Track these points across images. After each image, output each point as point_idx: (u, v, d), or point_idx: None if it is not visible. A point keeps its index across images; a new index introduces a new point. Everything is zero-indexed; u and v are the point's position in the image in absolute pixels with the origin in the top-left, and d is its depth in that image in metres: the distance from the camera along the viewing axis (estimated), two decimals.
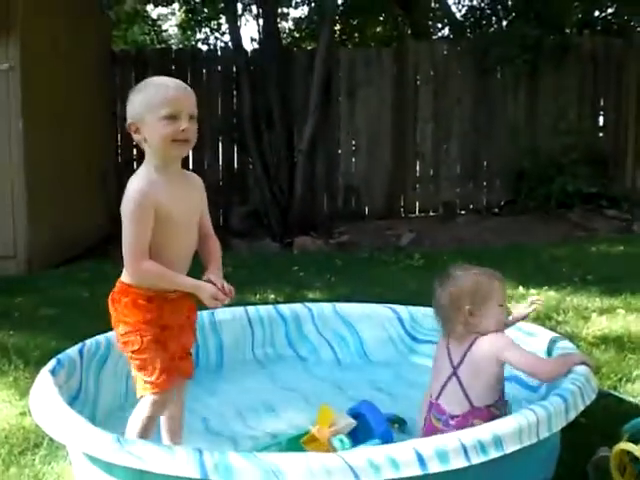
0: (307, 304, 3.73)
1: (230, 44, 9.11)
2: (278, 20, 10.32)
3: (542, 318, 4.28)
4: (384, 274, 5.92)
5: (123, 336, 2.32)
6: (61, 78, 6.86)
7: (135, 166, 8.25)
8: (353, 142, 9.16)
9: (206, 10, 11.99)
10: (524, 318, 2.86)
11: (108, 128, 8.43)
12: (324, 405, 2.62)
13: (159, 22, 15.14)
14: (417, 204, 9.19)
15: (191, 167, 8.00)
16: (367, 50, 10.06)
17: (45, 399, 2.37)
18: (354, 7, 11.72)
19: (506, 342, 2.47)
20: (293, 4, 11.73)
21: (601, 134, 9.32)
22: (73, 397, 2.69)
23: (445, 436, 2.07)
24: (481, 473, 2.03)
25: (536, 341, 2.92)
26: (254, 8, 9.40)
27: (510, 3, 10.50)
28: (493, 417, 2.38)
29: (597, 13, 10.78)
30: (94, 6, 8.18)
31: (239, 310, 3.57)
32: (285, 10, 11.89)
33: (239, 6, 9.36)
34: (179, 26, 14.69)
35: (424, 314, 3.53)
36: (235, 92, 8.92)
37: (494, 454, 1.99)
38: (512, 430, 2.05)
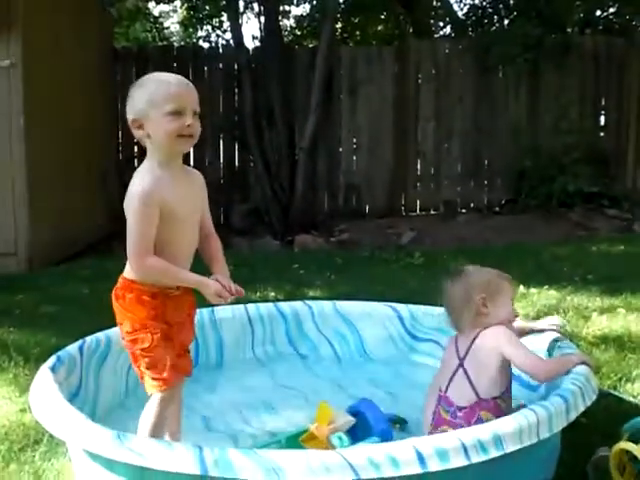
0: (307, 302, 3.73)
1: (232, 42, 9.11)
2: (280, 18, 10.32)
3: (542, 317, 4.27)
4: (385, 272, 5.92)
5: (131, 334, 2.30)
6: (62, 75, 6.86)
7: (136, 164, 8.26)
8: (354, 140, 9.16)
9: (208, 8, 11.98)
10: (539, 332, 2.86)
11: (109, 125, 8.43)
12: (323, 403, 2.62)
13: (161, 19, 15.13)
14: (418, 202, 9.19)
15: (192, 164, 7.98)
16: (369, 48, 10.07)
17: (45, 396, 2.37)
18: (356, 5, 11.71)
19: (508, 337, 2.48)
20: (295, 2, 11.72)
21: (602, 133, 9.31)
22: (73, 394, 2.69)
23: (445, 435, 2.07)
24: (481, 473, 2.03)
25: (537, 340, 2.91)
26: (256, 6, 9.40)
27: (512, 2, 10.50)
28: (500, 409, 2.42)
29: (599, 12, 10.77)
30: (96, 3, 8.18)
31: (239, 308, 3.57)
32: (287, 8, 11.88)
33: (241, 4, 9.35)
34: (181, 23, 14.70)
35: (424, 312, 3.55)
36: (236, 90, 8.93)
37: (494, 453, 1.99)
38: (512, 430, 2.05)
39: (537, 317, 4.25)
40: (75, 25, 7.23)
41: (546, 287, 5.01)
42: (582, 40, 9.27)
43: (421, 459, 1.91)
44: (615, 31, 9.98)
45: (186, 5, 12.49)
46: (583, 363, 2.50)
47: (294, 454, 1.97)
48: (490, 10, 10.75)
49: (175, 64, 8.74)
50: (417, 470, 1.90)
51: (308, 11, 12.38)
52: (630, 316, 4.31)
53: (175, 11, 15.29)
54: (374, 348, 3.59)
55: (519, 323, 2.77)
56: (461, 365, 2.51)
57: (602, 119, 9.40)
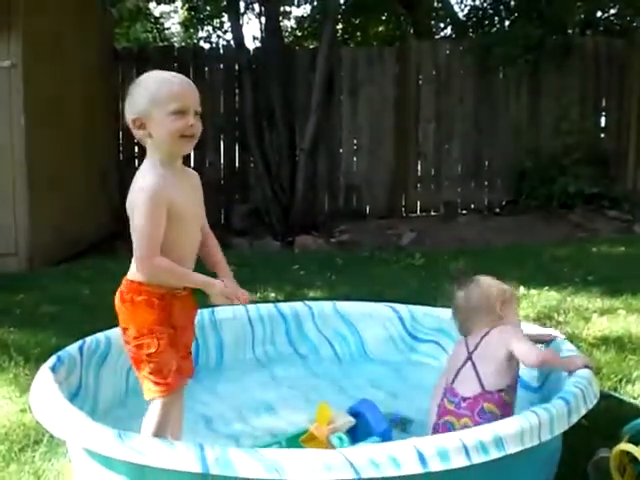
0: (308, 303, 3.72)
1: (232, 42, 9.11)
2: (280, 19, 10.32)
3: (543, 318, 4.28)
4: (385, 273, 5.92)
5: (137, 339, 2.27)
6: (63, 75, 6.86)
7: (137, 163, 8.27)
8: (355, 141, 9.16)
9: (208, 8, 11.98)
10: (542, 342, 2.89)
11: (110, 125, 8.43)
12: (323, 403, 2.62)
13: (162, 20, 15.13)
14: (418, 203, 9.19)
15: (192, 165, 7.99)
16: (369, 49, 10.06)
17: (45, 396, 2.37)
18: (356, 6, 11.71)
19: (515, 332, 2.62)
20: (296, 2, 11.72)
21: (603, 134, 9.31)
22: (73, 394, 2.69)
23: (446, 435, 2.07)
24: (482, 474, 2.03)
25: (538, 342, 2.91)
26: (256, 6, 9.40)
27: (513, 3, 10.50)
28: (504, 403, 2.49)
29: (599, 14, 10.78)
30: (96, 3, 8.18)
31: (239, 309, 3.55)
32: (287, 9, 11.89)
33: (242, 4, 9.35)
34: (181, 24, 14.70)
35: (425, 313, 3.55)
36: (237, 90, 8.93)
37: (495, 454, 1.98)
38: (514, 431, 2.05)
39: (537, 318, 4.26)
40: (76, 25, 7.23)
41: (546, 288, 5.01)
42: (583, 41, 9.28)
43: (422, 459, 1.91)
44: (616, 32, 9.99)
45: (187, 6, 12.50)
46: (585, 367, 2.52)
47: (295, 453, 1.97)
48: (491, 11, 10.76)
49: (176, 65, 8.72)
50: (418, 470, 1.90)
51: (309, 12, 12.39)
52: (630, 317, 4.31)
53: (176, 12, 15.31)
54: (374, 349, 3.59)
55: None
56: (469, 358, 2.59)
57: (603, 120, 9.39)
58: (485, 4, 11.03)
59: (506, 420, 2.16)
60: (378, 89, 8.96)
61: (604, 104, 9.28)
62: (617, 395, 3.15)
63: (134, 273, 2.29)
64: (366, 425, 2.59)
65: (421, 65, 9.04)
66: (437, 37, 11.91)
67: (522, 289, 4.93)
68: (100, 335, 3.02)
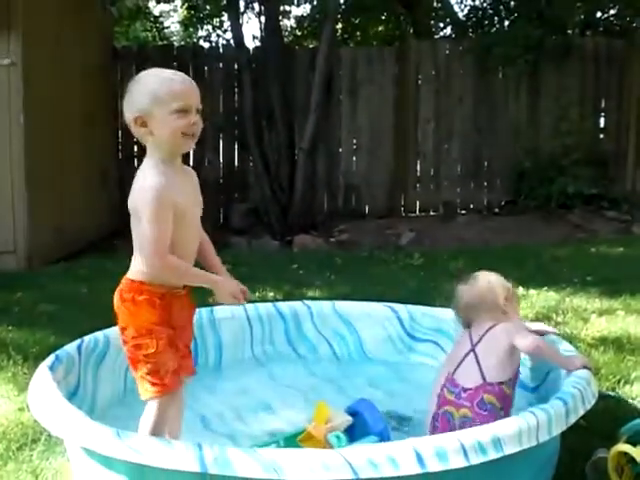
0: (306, 302, 3.73)
1: (232, 42, 9.10)
2: (280, 18, 10.31)
3: (541, 319, 4.28)
4: (384, 273, 5.92)
5: (135, 339, 2.26)
6: (62, 74, 6.85)
7: (136, 162, 8.27)
8: (354, 141, 9.16)
9: (208, 7, 11.96)
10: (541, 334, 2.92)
11: (109, 124, 8.42)
12: (321, 402, 2.63)
13: (161, 19, 15.10)
14: (417, 203, 9.19)
15: (192, 164, 7.99)
16: (369, 49, 10.07)
17: (44, 394, 2.37)
18: (356, 6, 11.69)
19: (520, 327, 2.67)
20: (295, 2, 11.68)
21: (602, 135, 9.31)
22: (71, 393, 2.69)
23: (444, 436, 2.07)
24: (480, 475, 2.03)
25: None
26: (256, 6, 9.38)
27: (512, 3, 10.50)
28: (504, 395, 2.53)
29: (599, 14, 10.77)
30: (96, 2, 8.17)
31: (238, 308, 3.55)
32: (287, 8, 11.86)
33: (241, 3, 9.34)
34: (181, 23, 14.68)
35: (423, 313, 3.55)
36: (237, 90, 8.92)
37: (493, 455, 1.99)
38: (512, 432, 2.05)
39: (536, 319, 4.26)
40: (75, 24, 7.22)
41: (545, 288, 5.01)
42: (583, 41, 9.27)
43: (420, 460, 1.91)
44: (615, 33, 9.98)
45: (186, 5, 12.48)
46: (584, 367, 2.52)
47: (294, 453, 1.97)
48: (491, 11, 10.74)
49: (175, 64, 8.70)
50: (416, 470, 1.90)
51: (309, 11, 12.36)
52: (629, 318, 4.32)
53: (175, 10, 15.28)
54: (373, 348, 3.59)
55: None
56: (472, 350, 2.62)
57: (602, 121, 9.39)
58: (485, 4, 11.02)
59: (504, 420, 2.17)
60: (378, 89, 8.96)
61: (603, 105, 9.27)
62: (615, 395, 3.15)
63: (135, 272, 2.28)
64: (364, 424, 2.59)
65: (421, 65, 9.04)
66: (437, 37, 11.89)
67: (521, 289, 4.93)
68: (99, 334, 3.02)
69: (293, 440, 2.53)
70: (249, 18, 10.68)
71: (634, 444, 2.28)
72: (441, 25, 12.84)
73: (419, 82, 9.08)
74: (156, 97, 2.18)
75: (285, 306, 3.68)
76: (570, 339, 3.71)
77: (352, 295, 4.39)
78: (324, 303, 3.74)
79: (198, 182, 2.44)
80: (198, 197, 2.41)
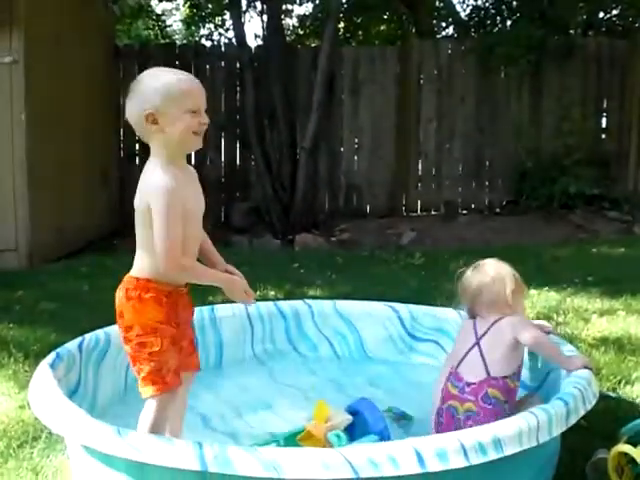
0: (307, 301, 3.73)
1: (234, 40, 9.10)
2: (282, 17, 10.30)
3: (542, 319, 4.27)
4: (385, 272, 5.92)
5: (140, 336, 2.26)
6: (64, 71, 6.85)
7: (137, 161, 8.27)
8: (356, 140, 9.16)
9: (210, 6, 11.98)
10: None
11: (111, 122, 8.43)
12: (321, 401, 2.63)
13: (163, 17, 15.12)
14: (419, 203, 9.19)
15: (193, 163, 7.98)
16: (371, 48, 10.06)
17: (44, 392, 2.37)
18: (358, 5, 11.70)
19: (526, 323, 2.67)
20: (298, 1, 11.71)
21: (604, 135, 9.30)
22: (72, 391, 2.69)
23: (445, 435, 2.07)
24: (480, 475, 2.03)
25: None
26: (259, 4, 9.41)
27: (515, 3, 10.49)
28: (508, 388, 2.53)
29: (602, 14, 10.77)
30: (98, 0, 8.17)
31: (239, 307, 3.56)
32: (289, 7, 11.87)
33: (244, 2, 9.35)
34: (183, 21, 14.68)
35: (424, 313, 3.55)
36: (238, 88, 8.92)
37: (493, 455, 1.98)
38: (512, 432, 2.04)
39: (537, 319, 4.25)
40: (77, 22, 7.22)
41: (546, 288, 5.01)
42: (585, 42, 9.26)
43: (420, 459, 1.91)
44: (618, 33, 9.98)
45: (189, 3, 12.49)
46: (585, 367, 2.52)
47: (294, 452, 1.97)
48: (493, 11, 10.74)
49: (177, 62, 8.72)
50: (416, 470, 1.90)
51: (311, 10, 12.37)
52: (630, 318, 4.31)
53: (178, 9, 15.27)
54: (374, 348, 3.59)
55: None
56: (477, 344, 2.61)
57: (604, 121, 9.38)
58: (487, 4, 11.01)
59: (505, 421, 2.17)
60: (379, 88, 8.95)
61: (605, 105, 9.26)
62: (615, 395, 3.15)
63: (141, 270, 2.28)
64: (364, 424, 2.59)
65: (423, 65, 9.04)
66: (439, 37, 11.88)
67: None
68: (99, 332, 3.02)
69: (293, 439, 2.53)
70: (251, 17, 10.73)
71: (634, 444, 2.28)
72: (443, 25, 12.83)
73: (421, 82, 9.08)
74: (171, 95, 2.20)
75: (286, 305, 3.68)
76: (571, 339, 3.71)
77: (353, 294, 4.39)
78: (325, 302, 3.74)
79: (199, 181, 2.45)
80: (201, 196, 2.42)
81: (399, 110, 8.99)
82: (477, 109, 9.06)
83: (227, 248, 6.94)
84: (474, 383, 2.54)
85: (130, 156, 8.54)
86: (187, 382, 2.47)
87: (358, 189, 9.06)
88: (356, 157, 9.18)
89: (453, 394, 2.58)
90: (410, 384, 3.24)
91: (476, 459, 1.95)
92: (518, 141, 8.93)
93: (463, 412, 2.52)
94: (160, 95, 2.20)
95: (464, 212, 9.03)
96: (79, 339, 2.93)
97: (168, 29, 15.71)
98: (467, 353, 2.62)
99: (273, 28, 8.77)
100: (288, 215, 8.34)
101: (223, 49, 9.64)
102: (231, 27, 10.32)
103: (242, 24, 8.87)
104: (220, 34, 12.89)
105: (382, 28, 13.64)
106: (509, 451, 2.01)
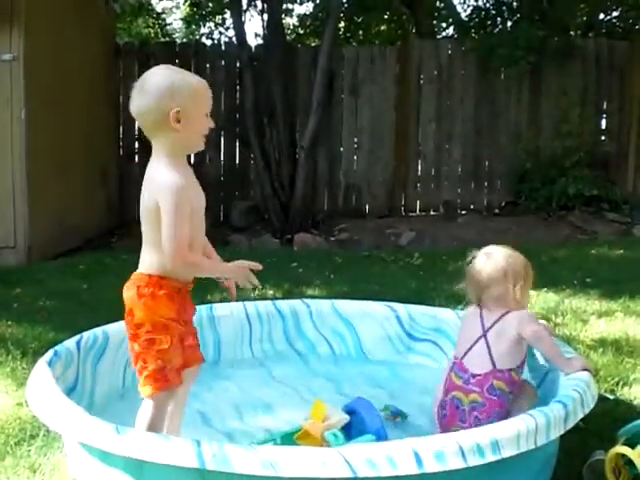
0: (306, 301, 3.73)
1: (234, 39, 9.09)
2: (283, 16, 10.29)
3: (540, 320, 4.28)
4: (383, 272, 5.92)
5: (150, 333, 2.25)
6: (64, 69, 6.85)
7: (137, 159, 8.26)
8: (355, 140, 9.15)
9: (211, 5, 11.98)
10: None
11: (111, 120, 8.42)
12: (318, 400, 2.63)
13: (163, 15, 15.12)
14: (418, 203, 9.19)
15: (193, 161, 7.98)
16: (371, 48, 10.04)
17: (42, 390, 2.37)
18: (359, 5, 11.69)
19: (529, 319, 2.66)
20: (298, 0, 11.72)
21: (603, 137, 9.30)
22: (70, 388, 2.69)
23: (443, 436, 2.08)
24: (478, 476, 2.03)
25: None
26: (259, 3, 9.39)
27: (515, 4, 10.50)
28: (513, 380, 2.55)
29: (602, 16, 10.79)
30: None
31: (237, 306, 3.57)
32: (290, 6, 11.87)
33: (244, 1, 9.34)
34: (183, 20, 14.67)
35: (422, 313, 3.55)
36: (238, 87, 8.92)
37: (491, 457, 1.99)
38: (510, 435, 2.05)
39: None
40: (77, 20, 7.22)
41: (545, 290, 5.01)
42: (585, 43, 9.25)
43: (418, 460, 1.91)
44: (618, 34, 9.98)
45: (189, 2, 12.49)
46: (585, 370, 2.53)
47: (291, 450, 1.98)
48: (493, 12, 10.74)
49: (177, 61, 8.72)
50: (414, 470, 1.90)
51: (311, 10, 12.38)
52: (628, 320, 4.31)
53: (178, 7, 15.26)
54: (372, 347, 3.59)
55: None
56: (484, 336, 2.62)
57: (603, 122, 9.39)
58: (487, 5, 11.03)
59: (503, 423, 2.17)
60: (379, 88, 8.95)
61: (605, 106, 9.27)
62: (613, 397, 3.15)
63: (151, 266, 2.28)
64: (361, 423, 2.59)
65: (422, 65, 9.03)
66: (439, 37, 11.90)
67: None
68: (98, 330, 3.02)
69: (290, 438, 2.54)
70: (251, 16, 10.71)
71: (632, 446, 2.28)
72: (443, 25, 12.86)
73: (421, 82, 9.07)
74: (198, 96, 2.26)
75: (284, 304, 3.69)
76: (569, 340, 3.72)
77: (351, 294, 4.40)
78: (323, 302, 3.74)
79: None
80: (202, 193, 2.43)
81: (398, 110, 8.98)
82: (477, 110, 9.06)
83: (226, 247, 6.95)
84: (480, 375, 2.55)
85: (130, 154, 8.53)
86: (193, 376, 2.48)
87: (357, 189, 9.06)
88: (355, 157, 9.18)
89: (457, 385, 2.59)
90: (408, 384, 3.24)
91: (474, 461, 1.96)
92: (517, 142, 8.94)
93: (468, 403, 2.53)
94: (189, 95, 2.23)
95: (463, 212, 9.03)
96: (77, 337, 2.93)
97: (168, 27, 15.71)
98: (473, 345, 2.63)
99: (273, 27, 8.76)
100: (287, 214, 8.34)
101: (223, 48, 9.63)
102: (231, 26, 10.31)
103: (242, 23, 8.86)
104: (220, 33, 12.91)
105: (382, 28, 13.65)
106: (507, 453, 2.01)
